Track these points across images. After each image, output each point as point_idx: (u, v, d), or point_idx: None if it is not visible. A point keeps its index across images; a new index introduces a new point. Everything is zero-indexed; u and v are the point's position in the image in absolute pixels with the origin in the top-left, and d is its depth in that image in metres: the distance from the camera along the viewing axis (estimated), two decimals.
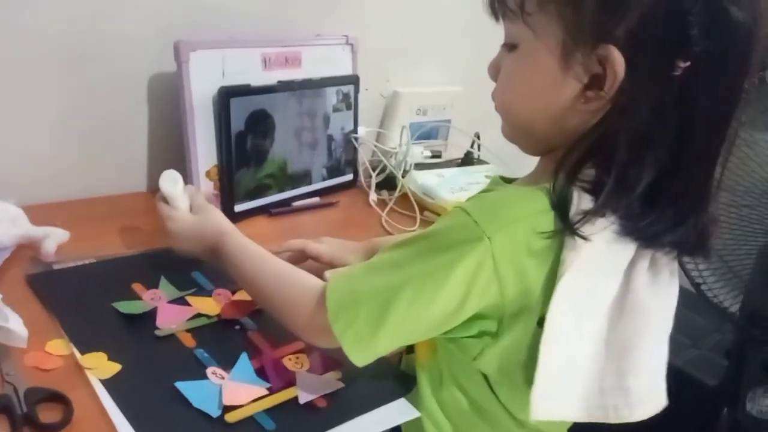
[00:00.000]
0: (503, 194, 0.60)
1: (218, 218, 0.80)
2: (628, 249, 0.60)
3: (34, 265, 0.82)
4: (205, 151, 1.04)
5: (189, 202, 0.84)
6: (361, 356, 0.61)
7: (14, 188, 0.88)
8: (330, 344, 0.62)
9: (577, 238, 0.56)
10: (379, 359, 0.74)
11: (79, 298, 0.77)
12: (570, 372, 0.58)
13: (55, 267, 0.82)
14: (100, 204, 1.02)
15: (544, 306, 0.57)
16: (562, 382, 0.58)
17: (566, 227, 0.56)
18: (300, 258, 0.89)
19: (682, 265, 0.79)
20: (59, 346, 0.68)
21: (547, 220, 0.57)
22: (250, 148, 1.07)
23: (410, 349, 0.75)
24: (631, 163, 0.56)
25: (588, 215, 0.56)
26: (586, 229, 0.56)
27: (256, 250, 0.74)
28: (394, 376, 0.74)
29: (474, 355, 0.62)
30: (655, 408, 0.60)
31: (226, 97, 1.01)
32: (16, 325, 0.68)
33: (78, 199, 1.02)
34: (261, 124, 1.08)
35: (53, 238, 0.83)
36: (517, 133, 0.66)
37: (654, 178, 0.57)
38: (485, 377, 0.65)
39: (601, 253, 0.58)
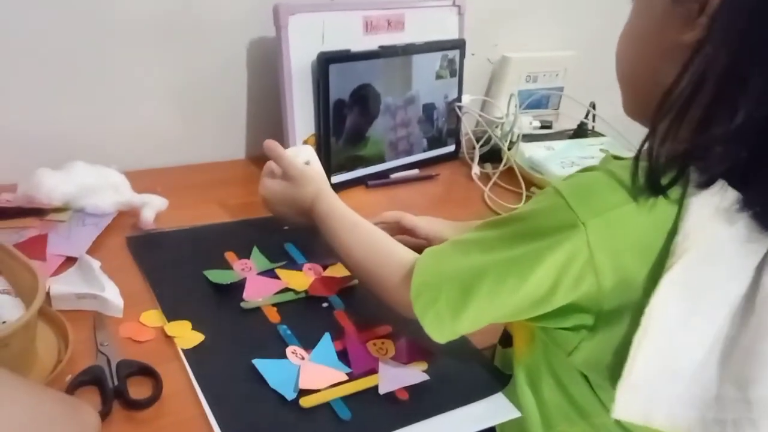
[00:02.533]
0: (604, 174, 0.54)
1: (314, 183, 0.80)
2: (762, 242, 0.52)
3: (134, 232, 0.84)
4: (303, 120, 1.01)
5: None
6: (440, 336, 0.59)
7: (117, 155, 0.91)
8: (415, 317, 0.60)
9: (692, 227, 0.49)
10: (471, 353, 0.71)
11: (173, 263, 0.78)
12: (671, 375, 0.52)
13: (154, 231, 0.84)
14: (200, 171, 1.03)
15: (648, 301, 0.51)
16: (658, 385, 0.52)
17: (652, 186, 0.50)
18: (395, 230, 0.87)
19: None
20: (153, 318, 0.69)
21: (652, 202, 0.51)
22: (349, 116, 1.03)
23: (506, 343, 0.70)
24: (717, 104, 0.48)
25: (673, 164, 0.50)
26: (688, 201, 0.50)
27: (347, 214, 0.74)
28: (487, 372, 0.69)
29: (569, 350, 0.58)
30: None
31: (325, 63, 0.98)
32: (112, 294, 0.69)
33: (178, 166, 1.03)
34: (361, 91, 1.04)
35: (152, 207, 0.85)
36: (625, 94, 0.60)
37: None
38: (586, 377, 0.60)
39: (726, 245, 0.51)
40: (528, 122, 1.27)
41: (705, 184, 0.50)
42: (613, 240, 0.51)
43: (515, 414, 0.64)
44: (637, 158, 0.51)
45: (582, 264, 0.51)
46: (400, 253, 0.66)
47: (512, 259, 0.54)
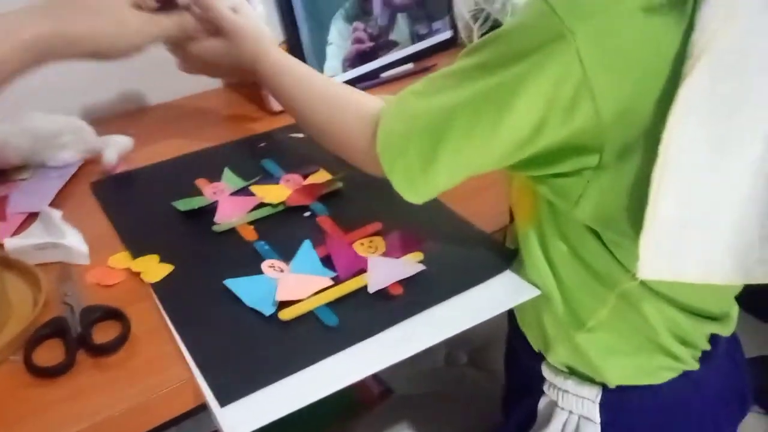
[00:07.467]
0: None
1: (250, 38, 0.67)
2: None
3: (99, 177, 0.77)
4: (269, 29, 0.91)
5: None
6: (414, 193, 0.50)
7: (83, 102, 0.84)
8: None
9: (712, 18, 0.38)
10: (476, 233, 0.61)
11: (141, 201, 0.71)
12: (702, 218, 0.43)
13: (120, 172, 0.77)
14: (174, 108, 0.95)
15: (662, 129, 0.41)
16: (687, 233, 0.43)
17: None
18: None
19: None
20: (122, 260, 0.63)
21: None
22: (321, 14, 0.92)
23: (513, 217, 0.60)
24: None
25: None
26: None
27: (297, 67, 0.64)
28: (493, 252, 0.60)
29: (575, 199, 0.48)
30: None
31: None
32: (74, 241, 0.64)
33: (152, 106, 0.95)
34: None
35: (115, 147, 0.78)
36: None
37: None
38: (598, 236, 0.50)
39: (762, 40, 0.39)
40: None
41: None
42: (612, 50, 0.41)
43: (533, 292, 0.55)
44: None
45: (574, 85, 0.41)
46: (363, 102, 0.56)
47: (489, 88, 0.44)
